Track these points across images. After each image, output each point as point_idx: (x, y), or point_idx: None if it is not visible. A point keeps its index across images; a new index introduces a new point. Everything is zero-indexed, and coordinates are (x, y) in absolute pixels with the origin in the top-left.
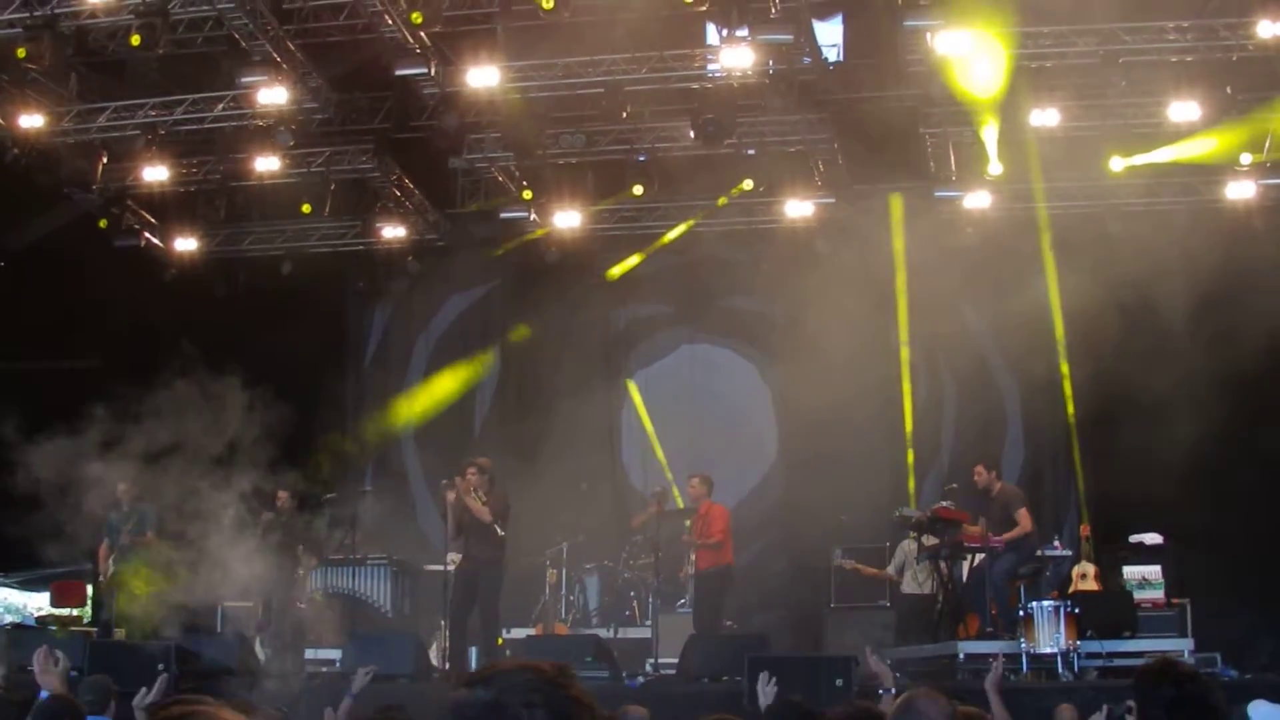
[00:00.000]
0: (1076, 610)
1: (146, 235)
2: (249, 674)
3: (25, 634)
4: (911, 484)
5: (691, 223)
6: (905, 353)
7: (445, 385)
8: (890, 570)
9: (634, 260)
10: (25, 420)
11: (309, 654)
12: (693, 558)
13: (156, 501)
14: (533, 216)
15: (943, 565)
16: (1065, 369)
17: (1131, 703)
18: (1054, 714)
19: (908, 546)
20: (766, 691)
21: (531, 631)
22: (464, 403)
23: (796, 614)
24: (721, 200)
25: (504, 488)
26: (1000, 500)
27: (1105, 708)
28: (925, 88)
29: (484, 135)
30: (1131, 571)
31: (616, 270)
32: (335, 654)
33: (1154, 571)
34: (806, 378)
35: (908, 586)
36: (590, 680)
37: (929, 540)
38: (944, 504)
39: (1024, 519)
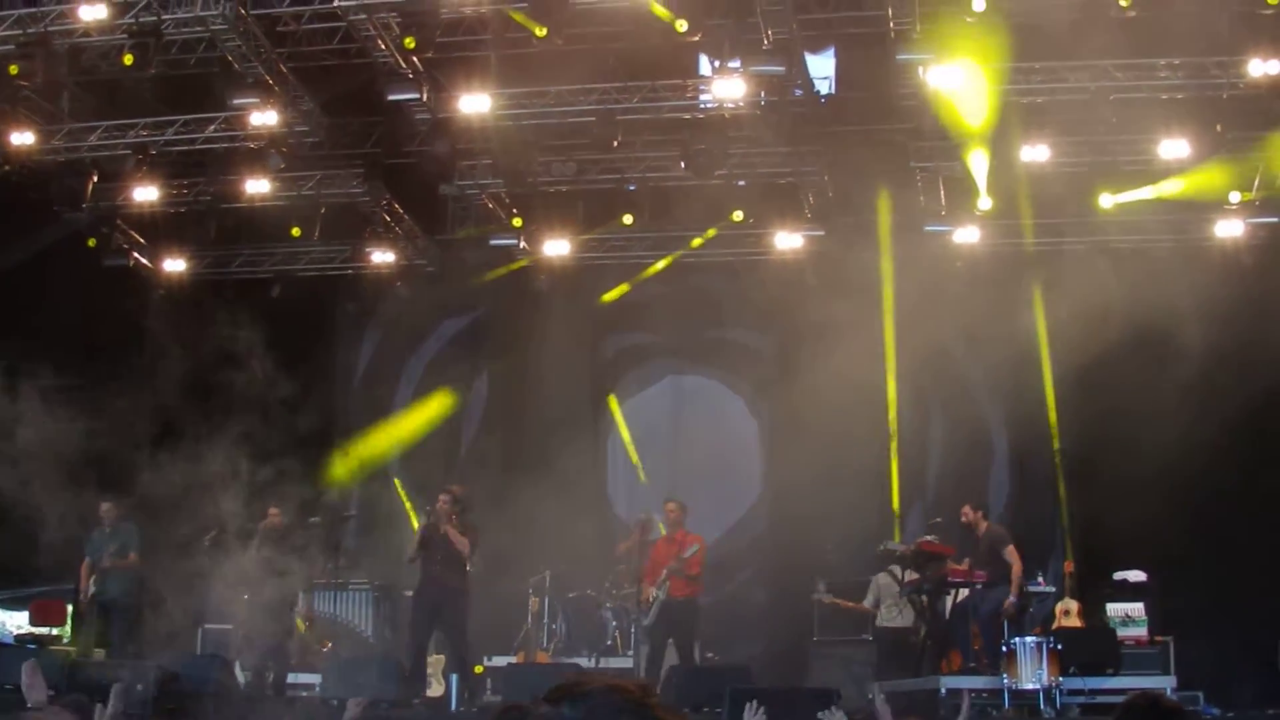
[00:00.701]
0: (1059, 646)
1: (135, 255)
2: (229, 696)
3: (4, 652)
4: (896, 517)
5: (680, 253)
6: (892, 386)
7: (417, 418)
8: (867, 603)
9: (629, 284)
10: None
11: (290, 678)
12: (665, 583)
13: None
14: (522, 244)
15: (924, 599)
16: (1052, 405)
17: None
18: None
19: (883, 580)
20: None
21: (513, 659)
22: (450, 429)
23: (779, 646)
24: (710, 231)
25: (476, 518)
26: (986, 540)
27: None
28: (916, 121)
29: (475, 162)
30: (1115, 608)
31: (611, 294)
32: (315, 678)
33: (1137, 609)
34: (794, 410)
35: (884, 619)
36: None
37: (910, 575)
38: (928, 538)
39: (1013, 556)
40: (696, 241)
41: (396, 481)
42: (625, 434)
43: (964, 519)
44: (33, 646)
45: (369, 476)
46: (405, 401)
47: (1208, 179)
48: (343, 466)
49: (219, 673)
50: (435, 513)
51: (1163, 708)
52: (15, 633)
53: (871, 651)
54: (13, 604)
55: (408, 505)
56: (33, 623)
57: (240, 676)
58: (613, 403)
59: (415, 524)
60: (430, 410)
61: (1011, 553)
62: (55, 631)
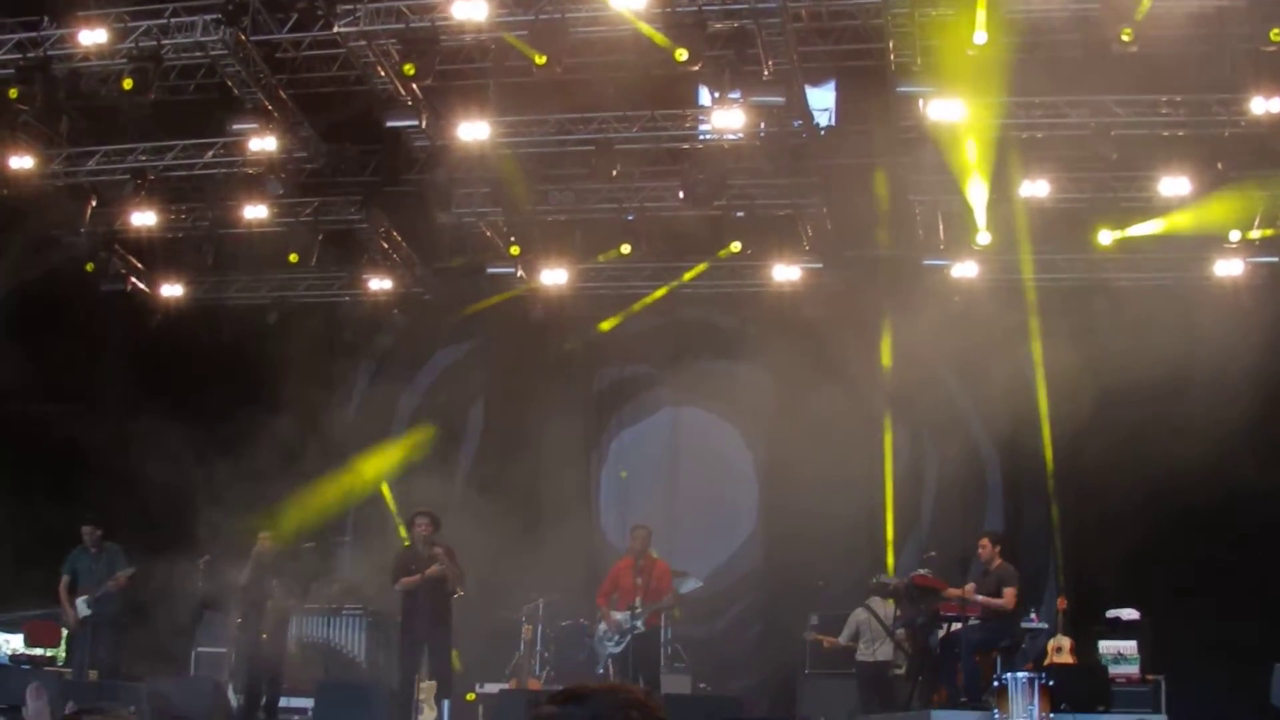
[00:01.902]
0: (1051, 683)
1: (133, 280)
2: (221, 718)
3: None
4: (890, 551)
5: (678, 283)
6: (888, 419)
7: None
8: (842, 639)
9: (626, 314)
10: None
11: (282, 701)
12: (642, 615)
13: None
14: (520, 273)
15: (908, 634)
16: (1048, 442)
17: None
18: None
19: (860, 615)
20: None
21: (505, 686)
22: (446, 456)
23: (771, 679)
24: (707, 263)
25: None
26: (995, 575)
27: None
28: (916, 155)
29: (473, 190)
30: (1107, 646)
31: (608, 324)
32: (308, 702)
33: (1130, 647)
34: (789, 443)
35: (861, 654)
36: None
37: (898, 611)
38: (922, 572)
39: (1009, 597)
40: (694, 272)
41: (389, 500)
42: (621, 466)
43: (981, 551)
44: (26, 667)
45: (365, 502)
46: (402, 428)
47: (1208, 217)
48: (337, 491)
49: (211, 695)
50: (416, 539)
51: None
52: (10, 654)
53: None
54: (7, 626)
55: (402, 532)
56: (27, 644)
57: (232, 699)
58: (608, 435)
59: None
60: (415, 442)
61: (1010, 594)
62: (49, 653)
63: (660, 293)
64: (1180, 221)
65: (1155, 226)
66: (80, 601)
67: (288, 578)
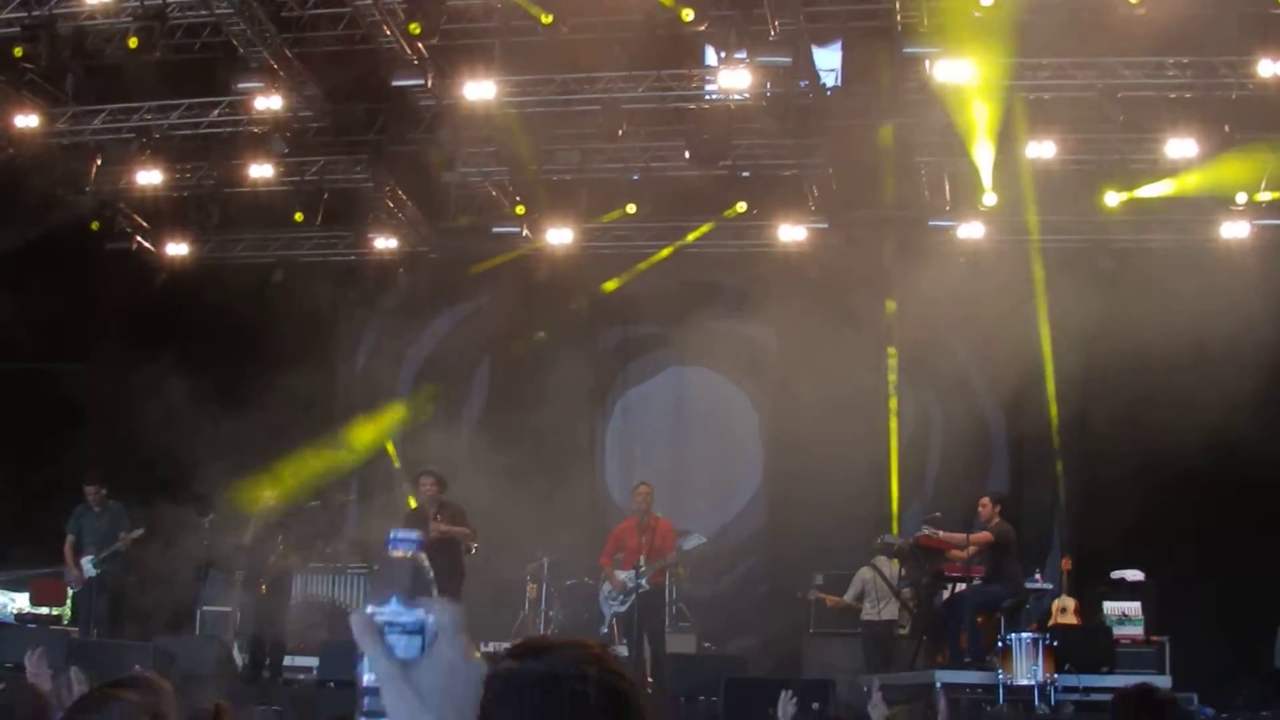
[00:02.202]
0: (1055, 644)
1: (138, 239)
2: (226, 678)
3: (6, 632)
4: (895, 511)
5: (683, 243)
6: (893, 380)
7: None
8: (848, 598)
9: (629, 275)
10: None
11: (286, 660)
12: (647, 573)
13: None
14: (525, 232)
15: (913, 593)
16: (1053, 403)
17: None
18: None
19: (866, 574)
20: (786, 710)
21: (510, 645)
22: (451, 415)
23: (775, 638)
24: (713, 222)
25: (463, 502)
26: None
27: None
28: (922, 116)
29: (479, 149)
30: (1112, 607)
31: (613, 284)
32: (313, 661)
33: (1134, 608)
34: (794, 402)
35: (866, 614)
36: None
37: (903, 571)
38: (926, 532)
39: (980, 539)
40: (699, 232)
41: (394, 458)
42: (626, 426)
43: (982, 510)
44: (32, 626)
45: (370, 460)
46: (407, 387)
47: (1214, 179)
48: (342, 450)
49: (216, 654)
50: (421, 499)
51: (1155, 699)
52: (16, 613)
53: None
54: (13, 585)
55: (411, 502)
56: (33, 603)
57: (237, 659)
58: (614, 394)
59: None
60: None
61: (981, 536)
62: (55, 612)
63: (665, 252)
64: (1187, 184)
65: (1162, 188)
66: (85, 561)
67: (292, 537)
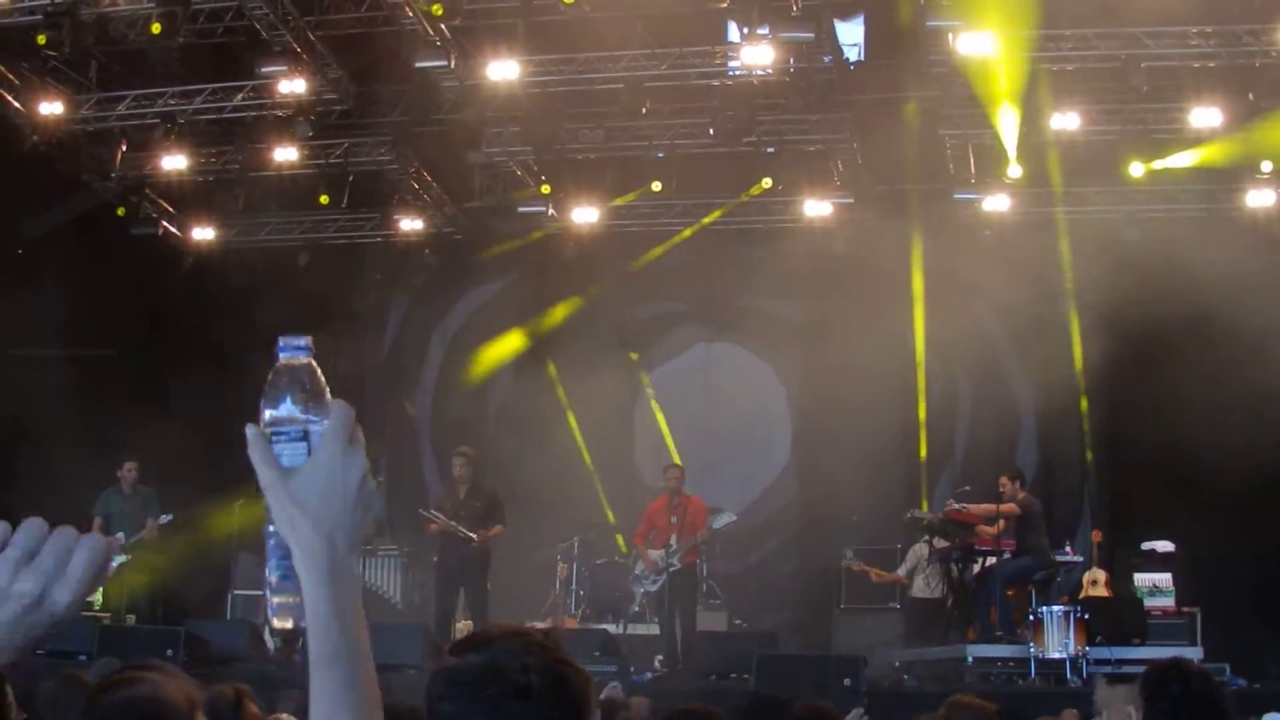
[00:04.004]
0: (1086, 616)
1: (164, 224)
2: (258, 661)
3: None
4: (924, 486)
5: (709, 220)
6: (921, 354)
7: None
8: (901, 572)
9: (658, 251)
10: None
11: None
12: (678, 552)
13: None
14: (550, 211)
15: (953, 568)
16: (1080, 374)
17: (1131, 709)
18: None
19: (920, 549)
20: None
21: (541, 625)
22: (478, 394)
23: (806, 614)
24: (739, 198)
25: (492, 482)
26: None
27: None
28: (946, 89)
29: (503, 129)
30: (1142, 579)
31: (639, 261)
32: None
33: (1165, 579)
34: (821, 378)
35: (918, 590)
36: (598, 675)
37: (940, 543)
38: (956, 506)
39: (1009, 510)
40: (724, 209)
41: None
42: (655, 403)
43: (1002, 490)
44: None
45: (398, 443)
46: (434, 369)
47: (1239, 148)
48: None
49: (248, 638)
50: (453, 479)
51: (1187, 673)
52: None
53: (898, 620)
54: None
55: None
56: None
57: (269, 642)
58: (642, 372)
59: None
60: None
61: (1010, 510)
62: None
63: (695, 228)
64: (1212, 153)
65: (1187, 159)
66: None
67: None
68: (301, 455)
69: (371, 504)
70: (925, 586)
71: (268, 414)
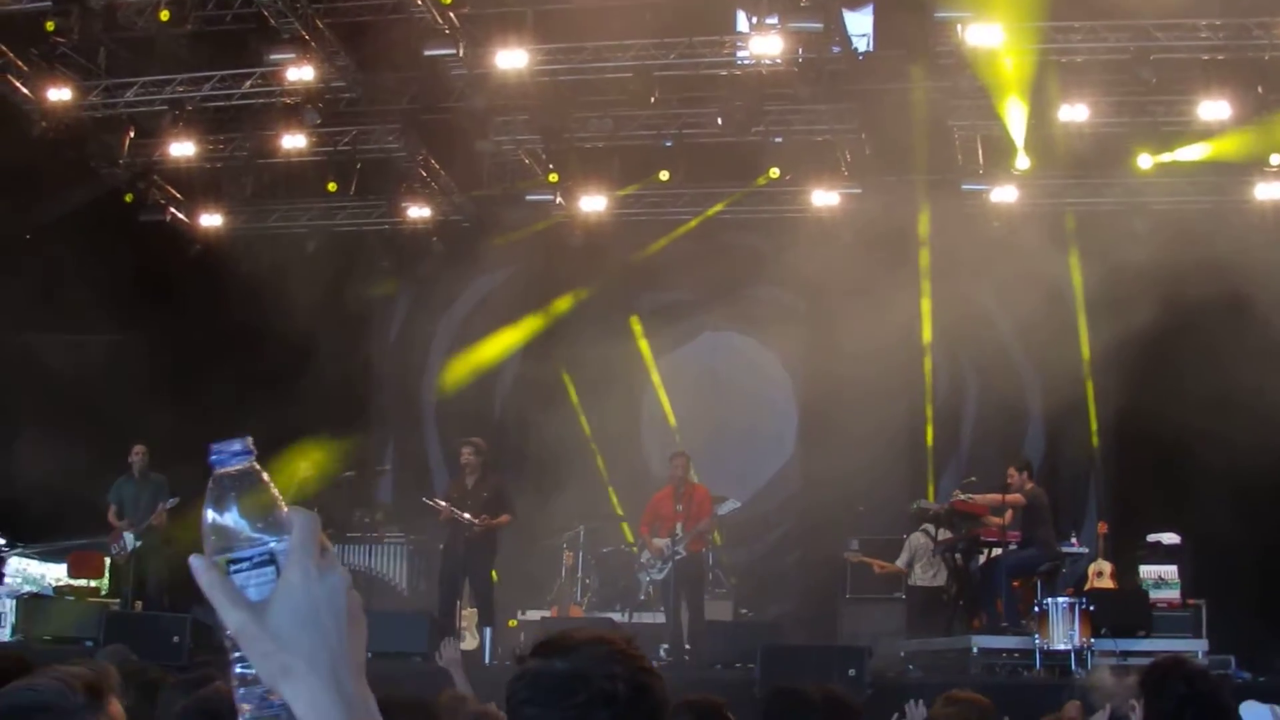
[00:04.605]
0: (1091, 607)
1: (172, 210)
2: None
3: (43, 604)
4: (930, 476)
5: (716, 209)
6: (927, 345)
7: (467, 365)
8: (900, 563)
9: (665, 241)
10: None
11: None
12: (684, 540)
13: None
14: (558, 200)
15: (957, 559)
16: (1087, 365)
17: (1135, 702)
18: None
19: (917, 539)
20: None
21: (546, 613)
22: (485, 384)
23: (811, 604)
24: (747, 188)
25: (499, 472)
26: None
27: (1108, 707)
28: (954, 80)
29: (511, 118)
30: (1148, 570)
31: (647, 250)
32: None
33: (1170, 571)
34: (828, 368)
35: (917, 579)
36: None
37: (944, 534)
38: (962, 497)
39: (1014, 500)
40: (731, 198)
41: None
42: (661, 392)
43: (1010, 481)
44: (70, 599)
45: (404, 430)
46: (440, 357)
47: (1248, 141)
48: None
49: None
50: (462, 468)
51: (1190, 672)
52: (54, 584)
53: (903, 610)
54: (51, 556)
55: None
56: (71, 575)
57: None
58: (648, 361)
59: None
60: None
61: (1016, 500)
62: (93, 584)
63: (702, 218)
64: (1220, 146)
65: (1195, 152)
66: (126, 535)
67: (327, 507)
68: (270, 582)
69: (362, 619)
70: (924, 575)
71: (213, 537)
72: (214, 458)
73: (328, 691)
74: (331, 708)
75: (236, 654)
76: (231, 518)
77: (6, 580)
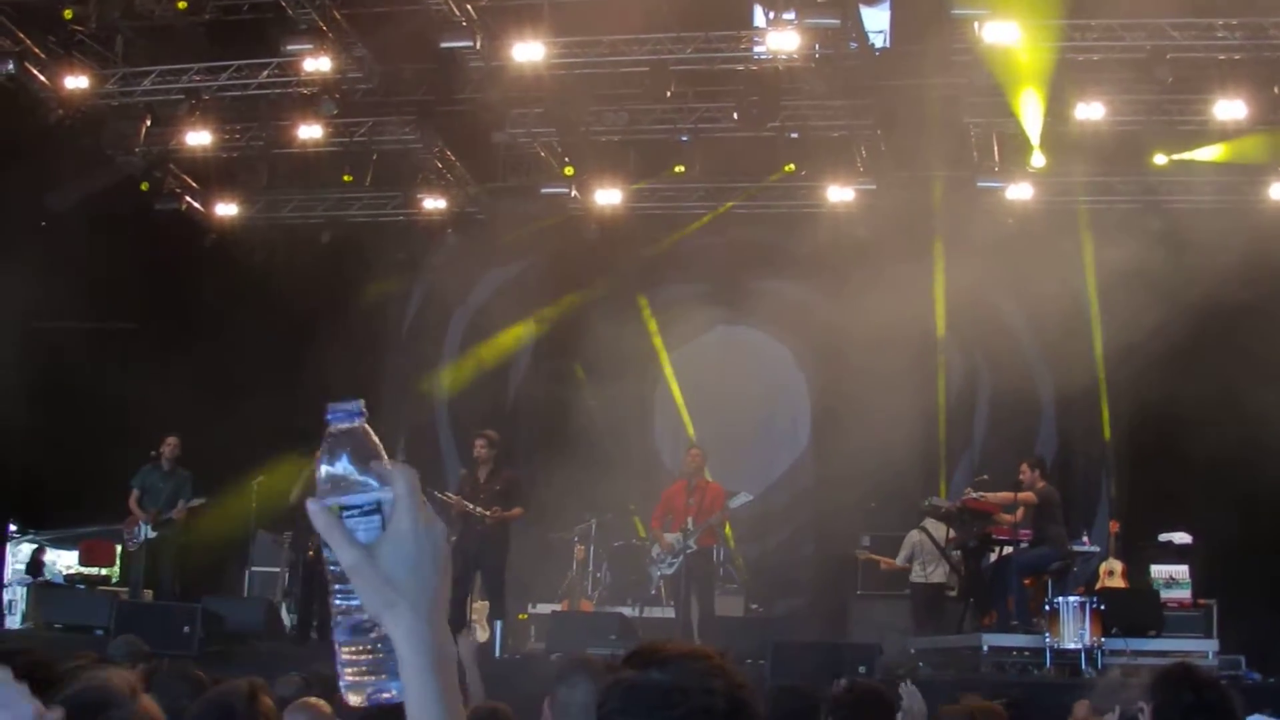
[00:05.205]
0: (1102, 607)
1: (188, 199)
2: (274, 639)
3: (54, 591)
4: (942, 473)
5: (731, 204)
6: (941, 341)
7: (480, 358)
8: (899, 560)
9: (679, 235)
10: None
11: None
12: (695, 534)
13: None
14: (573, 193)
15: (961, 556)
16: (1100, 364)
17: (1144, 704)
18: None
19: (916, 536)
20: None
21: (557, 607)
22: (498, 376)
23: (822, 600)
24: (762, 183)
25: (512, 465)
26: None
27: (1117, 709)
28: (971, 77)
29: (527, 110)
30: (1159, 570)
31: (662, 244)
32: None
33: (1181, 571)
34: (841, 363)
35: (915, 576)
36: (614, 658)
37: (951, 532)
38: (974, 495)
39: (1026, 498)
40: (746, 193)
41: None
42: (674, 385)
43: (1022, 477)
44: (81, 587)
45: (417, 423)
46: (454, 349)
47: (1264, 141)
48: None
49: (265, 615)
50: (475, 461)
51: (1197, 679)
52: (65, 572)
53: (909, 607)
54: (63, 543)
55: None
56: (82, 563)
57: (285, 620)
58: (661, 354)
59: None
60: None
61: (1027, 496)
62: (104, 572)
63: (717, 212)
64: (1236, 146)
65: (1211, 152)
66: (142, 525)
67: None
68: (376, 529)
69: (450, 568)
70: (922, 572)
71: (328, 485)
72: (330, 416)
73: (423, 625)
74: (425, 639)
75: (338, 587)
76: (342, 466)
77: (15, 567)
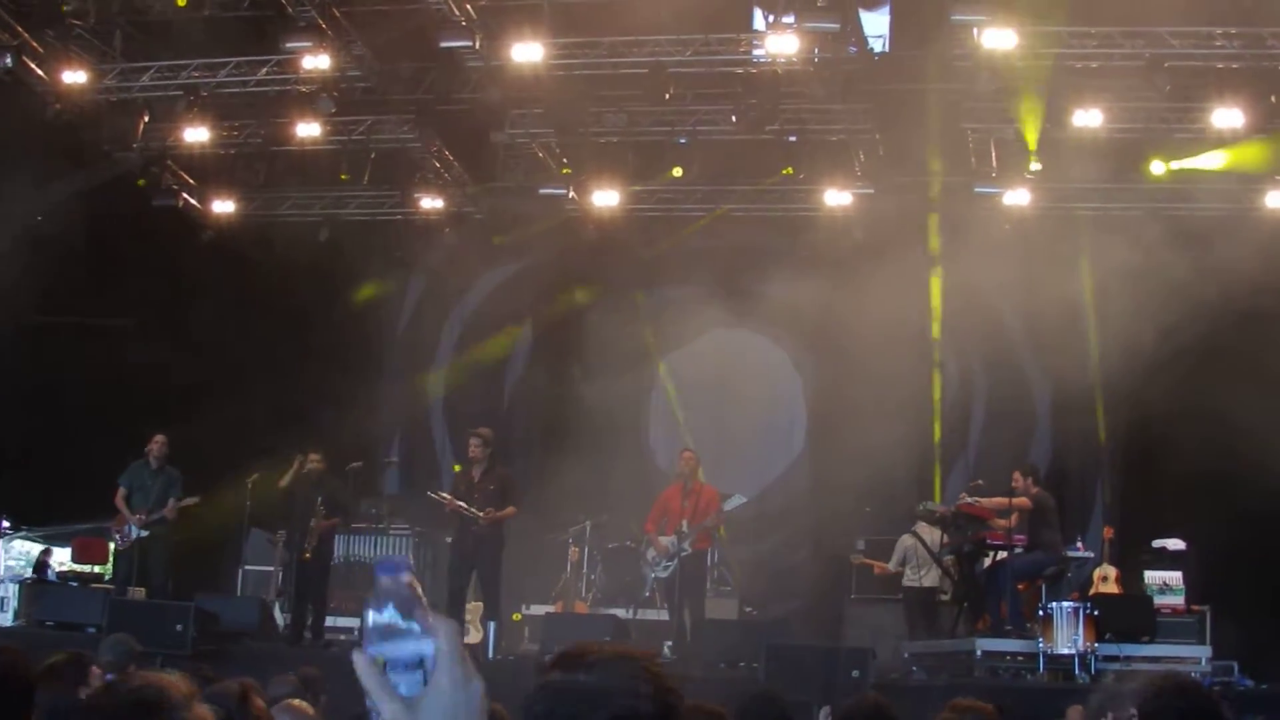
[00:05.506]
0: (1096, 612)
1: (185, 196)
2: (267, 638)
3: (46, 589)
4: (937, 478)
5: (729, 207)
6: (938, 347)
7: (476, 358)
8: (891, 565)
9: (677, 237)
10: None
11: (328, 621)
12: (690, 537)
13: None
14: (571, 194)
15: (953, 561)
16: (1096, 371)
17: (1134, 710)
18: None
19: (908, 541)
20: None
21: (551, 608)
22: (493, 376)
23: (817, 604)
24: (760, 186)
25: (506, 465)
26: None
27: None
28: (969, 82)
29: (526, 111)
30: (1153, 576)
31: (659, 246)
32: (354, 622)
33: (1175, 577)
34: (838, 367)
35: (908, 580)
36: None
37: (945, 537)
38: (968, 500)
39: (1021, 503)
40: (744, 196)
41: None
42: (669, 387)
43: (1015, 485)
44: (74, 584)
45: (412, 422)
46: (450, 349)
47: (1261, 150)
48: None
49: (258, 614)
50: (469, 460)
51: (1190, 694)
52: (57, 569)
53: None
54: (56, 540)
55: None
56: (75, 559)
57: (279, 618)
58: (657, 360)
59: (456, 468)
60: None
61: (1022, 502)
62: (97, 569)
63: (715, 215)
64: (1234, 154)
65: (1209, 160)
66: (132, 523)
67: (333, 497)
68: (418, 684)
69: (487, 716)
70: (914, 576)
71: (375, 634)
72: (379, 570)
73: None
74: None
75: None
76: (388, 615)
77: (8, 564)
